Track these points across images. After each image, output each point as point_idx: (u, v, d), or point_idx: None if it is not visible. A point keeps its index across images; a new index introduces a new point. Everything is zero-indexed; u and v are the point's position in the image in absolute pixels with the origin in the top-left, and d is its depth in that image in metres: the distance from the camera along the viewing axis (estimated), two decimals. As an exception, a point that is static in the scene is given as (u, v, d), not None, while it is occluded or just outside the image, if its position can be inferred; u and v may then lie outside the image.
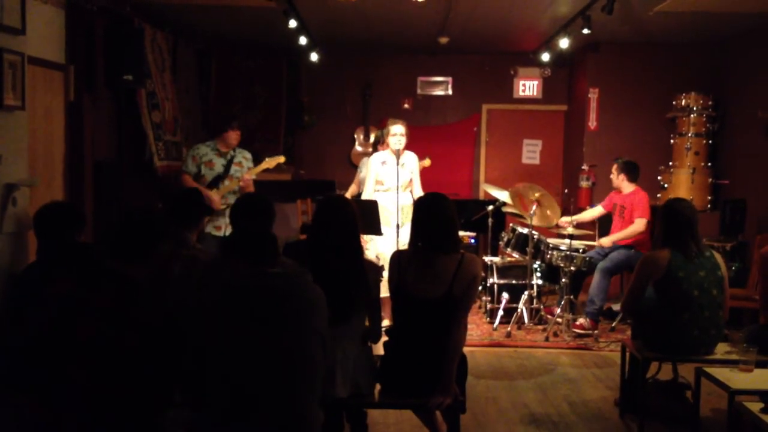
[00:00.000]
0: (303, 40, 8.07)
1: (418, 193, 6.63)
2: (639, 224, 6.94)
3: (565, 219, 7.24)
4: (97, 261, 3.67)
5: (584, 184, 9.16)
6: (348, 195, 7.37)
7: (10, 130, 3.91)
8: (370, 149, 9.65)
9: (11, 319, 3.67)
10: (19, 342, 3.21)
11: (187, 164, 6.45)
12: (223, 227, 6.23)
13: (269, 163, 6.53)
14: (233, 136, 6.43)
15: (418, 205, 4.00)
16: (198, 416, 2.86)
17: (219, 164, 6.38)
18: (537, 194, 6.85)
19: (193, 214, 4.48)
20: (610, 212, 7.37)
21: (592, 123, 9.26)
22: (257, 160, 6.60)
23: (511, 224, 7.53)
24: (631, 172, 7.15)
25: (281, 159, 6.67)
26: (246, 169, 6.45)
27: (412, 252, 3.88)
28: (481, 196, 9.84)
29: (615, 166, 7.24)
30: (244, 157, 6.54)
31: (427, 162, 6.97)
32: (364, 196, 6.69)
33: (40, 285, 3.48)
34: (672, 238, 4.56)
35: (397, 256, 3.91)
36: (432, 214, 3.87)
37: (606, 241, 7.09)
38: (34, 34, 4.71)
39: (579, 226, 7.23)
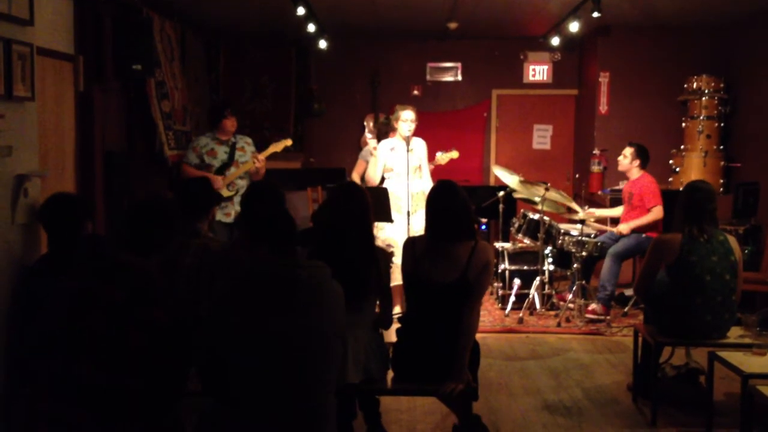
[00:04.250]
0: (311, 28, 8.04)
1: (426, 179, 6.63)
2: (657, 212, 6.89)
3: (589, 211, 7.18)
4: (108, 253, 3.68)
5: (595, 168, 9.12)
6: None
7: (20, 121, 3.91)
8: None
9: (24, 312, 3.68)
10: (32, 335, 3.23)
11: (188, 156, 6.54)
12: (232, 214, 6.32)
13: (276, 146, 6.59)
14: (229, 123, 6.49)
15: (431, 194, 3.99)
16: (213, 405, 2.86)
17: (221, 152, 6.45)
18: (542, 190, 6.86)
19: (203, 203, 4.47)
20: None
21: (603, 107, 9.21)
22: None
23: (522, 210, 7.51)
24: (646, 158, 7.10)
25: (288, 142, 6.71)
26: (249, 154, 6.50)
27: (426, 239, 3.87)
28: (492, 182, 9.81)
29: (631, 151, 7.09)
30: (246, 142, 6.62)
31: (454, 154, 6.91)
32: (371, 180, 6.66)
33: (52, 277, 3.49)
34: (688, 221, 4.54)
35: (411, 243, 3.91)
36: (445, 204, 3.87)
37: (625, 228, 7.00)
38: (42, 25, 4.70)
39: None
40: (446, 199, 3.88)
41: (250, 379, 2.78)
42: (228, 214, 6.34)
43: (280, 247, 3.01)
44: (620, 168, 7.26)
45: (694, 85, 8.33)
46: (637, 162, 7.07)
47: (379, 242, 6.30)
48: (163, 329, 2.96)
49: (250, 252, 3.08)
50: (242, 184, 6.37)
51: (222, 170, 6.40)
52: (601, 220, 7.64)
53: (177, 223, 3.64)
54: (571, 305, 6.91)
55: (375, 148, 6.80)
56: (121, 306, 2.95)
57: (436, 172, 6.86)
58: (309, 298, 2.90)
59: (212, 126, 6.60)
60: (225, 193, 6.33)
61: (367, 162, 7.37)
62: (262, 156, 6.45)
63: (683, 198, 4.66)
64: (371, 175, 6.74)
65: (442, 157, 6.86)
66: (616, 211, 7.43)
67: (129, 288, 3.02)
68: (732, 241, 4.60)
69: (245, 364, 2.78)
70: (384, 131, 7.25)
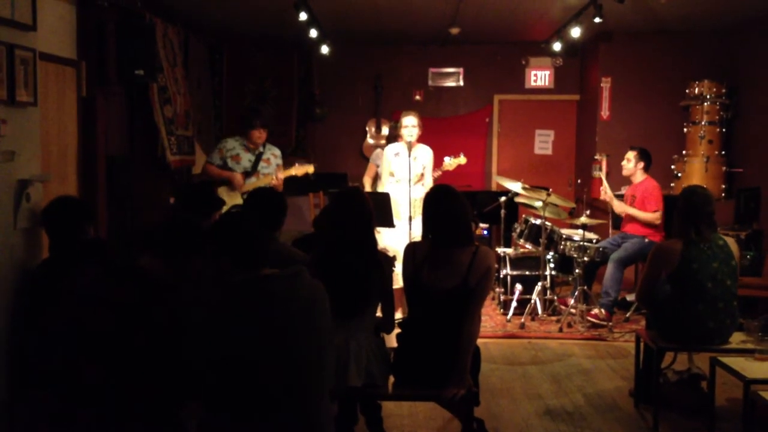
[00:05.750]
0: (314, 33, 8.05)
1: (428, 186, 6.62)
2: (654, 216, 6.91)
3: (581, 220, 7.18)
4: (111, 257, 3.69)
5: (597, 173, 9.11)
6: (368, 188, 7.37)
7: (22, 126, 3.92)
8: (382, 141, 9.65)
9: (27, 315, 3.69)
10: (37, 338, 3.23)
11: (212, 156, 6.61)
12: None
13: (297, 170, 6.54)
14: (256, 135, 6.49)
15: (427, 200, 3.98)
16: (208, 414, 2.85)
17: (246, 159, 6.48)
18: (544, 195, 6.87)
19: (205, 208, 4.48)
20: None
21: (605, 112, 9.21)
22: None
23: (524, 215, 7.51)
24: (649, 161, 7.13)
25: (310, 169, 6.60)
26: (274, 166, 6.54)
27: (426, 244, 3.87)
28: (494, 188, 9.81)
29: (634, 154, 7.13)
30: (273, 154, 6.63)
31: (462, 160, 6.90)
32: (380, 188, 6.70)
33: (55, 281, 3.50)
34: (687, 228, 4.53)
35: (412, 248, 3.90)
36: (440, 209, 3.86)
37: (618, 207, 7.11)
38: (45, 30, 4.71)
39: (594, 214, 7.22)
40: (444, 204, 3.87)
41: (241, 387, 2.74)
42: None
43: (248, 262, 2.92)
44: (625, 172, 7.26)
45: (696, 91, 8.33)
46: (641, 165, 7.10)
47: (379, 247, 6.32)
48: (168, 332, 2.95)
49: (222, 264, 2.96)
50: None
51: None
52: (603, 228, 7.64)
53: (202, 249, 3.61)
54: (572, 310, 6.90)
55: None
56: (127, 308, 2.95)
57: (442, 177, 6.87)
58: (287, 307, 2.81)
59: (242, 133, 6.62)
60: (239, 200, 6.34)
61: (377, 165, 7.40)
62: (281, 175, 6.44)
63: (681, 203, 4.67)
64: (366, 182, 6.78)
65: (450, 163, 6.86)
66: (627, 208, 7.42)
67: (135, 291, 3.01)
68: (732, 245, 4.60)
69: (234, 374, 2.74)
70: (394, 135, 7.29)
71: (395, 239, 6.40)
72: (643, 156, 7.12)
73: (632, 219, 7.10)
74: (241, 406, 2.73)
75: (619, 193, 8.32)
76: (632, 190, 7.19)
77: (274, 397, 2.76)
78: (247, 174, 6.47)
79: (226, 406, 2.75)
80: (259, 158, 6.53)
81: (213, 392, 2.77)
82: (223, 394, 2.75)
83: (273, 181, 6.41)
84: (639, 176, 7.14)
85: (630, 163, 7.15)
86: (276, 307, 2.80)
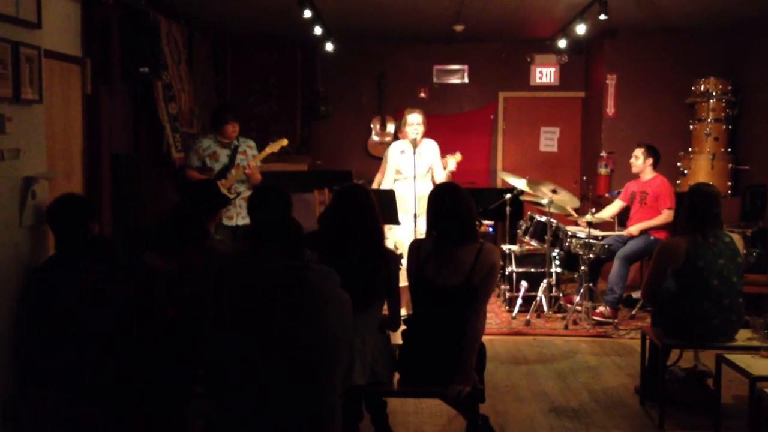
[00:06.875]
0: (318, 30, 8.05)
1: (439, 179, 6.58)
2: (668, 215, 6.88)
3: (585, 218, 7.10)
4: (116, 254, 3.69)
5: (603, 171, 9.10)
6: (375, 185, 7.37)
7: (27, 124, 3.92)
8: (387, 138, 9.65)
9: (32, 313, 3.69)
10: (41, 336, 3.23)
11: (190, 159, 6.58)
12: (234, 217, 6.35)
13: (273, 147, 6.58)
14: (230, 128, 6.49)
15: (431, 197, 3.98)
16: (218, 408, 2.85)
17: (224, 155, 6.46)
18: (550, 189, 6.85)
19: (212, 205, 4.49)
20: (629, 204, 7.32)
21: (610, 109, 9.20)
22: None
23: (529, 212, 7.50)
24: (657, 156, 7.12)
25: (284, 142, 6.69)
26: (251, 157, 6.50)
27: (430, 241, 3.86)
28: (499, 185, 9.80)
29: (642, 150, 7.12)
30: (248, 146, 6.62)
31: (458, 157, 6.86)
32: (384, 186, 6.69)
33: (60, 279, 3.50)
34: (692, 226, 4.52)
35: (416, 245, 3.90)
36: (445, 207, 3.85)
37: (634, 230, 6.99)
38: (50, 28, 4.71)
39: (600, 211, 7.21)
40: (448, 202, 3.87)
41: (255, 381, 2.76)
42: (230, 217, 6.36)
43: (288, 250, 3.00)
44: (634, 170, 7.25)
45: (702, 88, 8.30)
46: (650, 161, 7.09)
47: (389, 243, 6.32)
48: (174, 329, 2.96)
49: (259, 255, 3.06)
50: (242, 188, 6.38)
51: (223, 173, 6.42)
52: (608, 225, 7.63)
53: (205, 234, 3.67)
54: (578, 308, 6.89)
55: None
56: (132, 306, 2.95)
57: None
58: (317, 300, 2.88)
59: (215, 129, 6.62)
60: (229, 195, 6.34)
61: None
62: (253, 162, 6.43)
63: (686, 202, 4.65)
64: (378, 180, 6.78)
65: (450, 162, 6.79)
66: (611, 210, 7.41)
67: (139, 288, 3.02)
68: (737, 240, 4.59)
69: (251, 367, 2.77)
70: (396, 134, 7.29)
71: (402, 236, 6.40)
72: (651, 152, 7.11)
73: (640, 213, 7.08)
74: (252, 402, 2.74)
75: (615, 191, 8.32)
76: (643, 187, 7.15)
77: (286, 394, 2.77)
78: (225, 168, 6.46)
79: (236, 401, 2.76)
80: (235, 152, 6.52)
81: (224, 387, 2.79)
82: (233, 388, 2.77)
83: (247, 170, 6.38)
84: (649, 173, 7.12)
85: (638, 161, 7.13)
86: (311, 295, 2.87)
